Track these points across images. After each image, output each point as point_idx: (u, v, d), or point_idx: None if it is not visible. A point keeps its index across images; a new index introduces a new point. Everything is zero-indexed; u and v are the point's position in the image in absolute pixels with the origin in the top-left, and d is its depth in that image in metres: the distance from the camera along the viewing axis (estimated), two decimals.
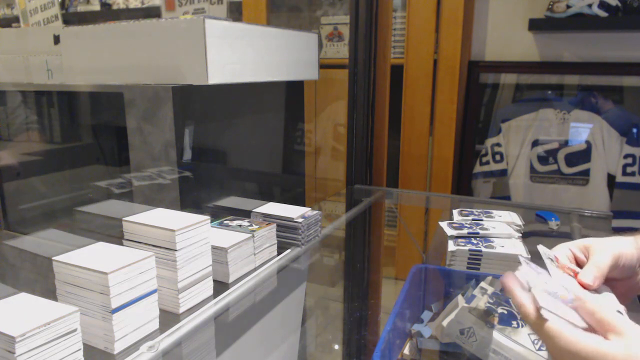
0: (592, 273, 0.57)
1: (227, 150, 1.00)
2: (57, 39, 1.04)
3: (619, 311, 0.52)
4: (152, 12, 2.64)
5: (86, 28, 0.94)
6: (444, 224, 1.02)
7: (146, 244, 0.73)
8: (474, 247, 0.91)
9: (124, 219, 0.75)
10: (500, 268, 0.90)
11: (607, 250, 0.60)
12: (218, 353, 0.73)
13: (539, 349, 0.68)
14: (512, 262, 0.90)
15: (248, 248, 0.87)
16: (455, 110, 1.68)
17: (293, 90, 1.22)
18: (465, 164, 1.81)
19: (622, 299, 0.60)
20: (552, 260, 0.60)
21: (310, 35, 1.21)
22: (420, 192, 1.75)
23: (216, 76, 0.87)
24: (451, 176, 1.74)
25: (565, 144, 1.64)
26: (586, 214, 1.30)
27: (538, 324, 0.50)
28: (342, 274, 1.20)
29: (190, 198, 0.89)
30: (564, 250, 0.63)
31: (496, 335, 0.70)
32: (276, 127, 1.19)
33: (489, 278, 0.87)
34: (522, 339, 0.70)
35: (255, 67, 0.99)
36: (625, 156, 1.57)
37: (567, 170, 1.64)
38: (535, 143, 1.68)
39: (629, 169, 1.57)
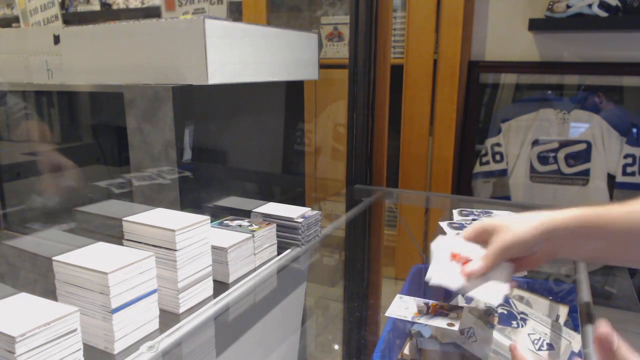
0: (479, 265, 0.65)
1: (227, 150, 1.00)
2: (57, 39, 1.04)
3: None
4: (152, 12, 2.64)
5: (86, 28, 0.94)
6: (444, 224, 1.02)
7: (146, 244, 0.73)
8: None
9: (124, 219, 0.75)
10: (500, 268, 0.90)
11: (500, 244, 0.65)
12: (218, 353, 0.73)
13: (539, 349, 0.68)
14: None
15: (248, 248, 0.87)
16: (455, 110, 1.68)
17: (293, 90, 1.22)
18: (465, 164, 1.81)
19: (521, 268, 0.68)
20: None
21: (310, 35, 1.21)
22: (420, 192, 1.75)
23: (216, 76, 0.87)
24: (451, 176, 1.74)
25: (565, 144, 1.64)
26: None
27: None
28: (342, 274, 1.20)
29: (190, 198, 0.89)
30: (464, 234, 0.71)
31: (496, 335, 0.70)
32: (276, 127, 1.19)
33: None
34: (521, 338, 0.70)
35: (255, 67, 0.99)
36: (625, 156, 1.57)
37: (567, 170, 1.64)
38: (535, 143, 1.68)
39: (629, 169, 1.57)
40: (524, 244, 0.64)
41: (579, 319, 0.74)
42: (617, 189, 1.59)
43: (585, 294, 0.81)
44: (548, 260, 0.69)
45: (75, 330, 0.56)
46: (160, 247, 0.71)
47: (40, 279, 0.66)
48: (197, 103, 0.90)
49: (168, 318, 0.71)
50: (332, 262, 1.23)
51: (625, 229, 0.60)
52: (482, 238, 0.69)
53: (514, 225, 0.66)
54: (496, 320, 0.73)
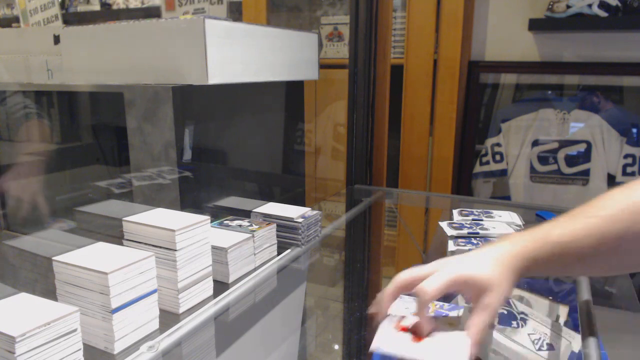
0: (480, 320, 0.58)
1: (227, 150, 1.00)
2: (57, 39, 1.04)
3: None
4: (152, 12, 2.64)
5: (86, 28, 0.94)
6: (444, 224, 1.02)
7: (146, 244, 0.73)
8: (474, 247, 0.91)
9: (124, 219, 0.75)
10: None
11: (492, 304, 0.58)
12: (218, 353, 0.73)
13: (539, 349, 0.68)
14: None
15: (248, 248, 0.87)
16: (455, 110, 1.68)
17: (293, 90, 1.22)
18: (465, 164, 1.81)
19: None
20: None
21: (310, 35, 1.21)
22: (420, 192, 1.75)
23: (216, 76, 0.87)
24: (451, 176, 1.74)
25: (565, 144, 1.64)
26: None
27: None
28: (342, 274, 1.20)
29: (190, 198, 0.89)
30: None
31: (496, 335, 0.70)
32: (276, 127, 1.19)
33: None
34: (521, 339, 0.70)
35: (255, 67, 0.99)
36: (625, 156, 1.57)
37: (567, 170, 1.64)
38: (535, 143, 1.68)
39: (629, 169, 1.56)
40: (510, 293, 0.61)
41: (579, 319, 0.75)
42: None
43: (585, 294, 0.81)
44: None
45: (75, 330, 0.56)
46: (160, 247, 0.71)
47: (40, 279, 0.66)
48: (197, 103, 0.90)
49: (168, 318, 0.71)
50: (332, 262, 1.23)
51: (574, 255, 0.60)
52: (456, 289, 0.63)
53: (499, 282, 0.59)
54: (496, 320, 0.73)
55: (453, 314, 0.71)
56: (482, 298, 0.59)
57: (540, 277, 0.68)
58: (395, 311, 0.71)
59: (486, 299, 0.58)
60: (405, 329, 0.61)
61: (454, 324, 0.66)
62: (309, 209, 1.01)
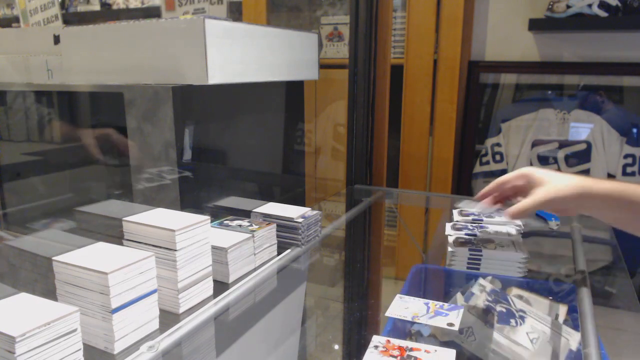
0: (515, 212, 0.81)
1: (227, 150, 1.01)
2: (57, 39, 1.04)
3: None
4: (152, 12, 2.64)
5: (86, 28, 0.94)
6: (448, 225, 1.02)
7: (146, 244, 0.73)
8: (474, 247, 0.91)
9: (124, 219, 0.75)
10: (500, 268, 0.90)
11: (542, 195, 0.78)
12: (218, 353, 0.73)
13: (538, 348, 0.68)
14: (512, 262, 0.90)
15: (248, 248, 0.87)
16: (455, 110, 1.68)
17: (293, 90, 1.22)
18: (465, 164, 1.81)
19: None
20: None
21: (310, 35, 1.21)
22: (420, 192, 1.75)
23: (216, 76, 0.87)
24: (451, 176, 1.74)
25: (565, 144, 1.64)
26: (586, 214, 1.29)
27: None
28: (342, 274, 1.20)
29: (190, 198, 0.89)
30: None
31: (495, 334, 0.70)
32: (276, 127, 1.19)
33: (489, 278, 0.87)
34: (520, 337, 0.70)
35: (256, 67, 0.99)
36: (625, 156, 1.57)
37: (567, 170, 1.64)
38: (535, 143, 1.68)
39: (629, 169, 1.57)
40: (561, 201, 0.77)
41: (579, 319, 0.75)
42: None
43: (585, 294, 0.81)
44: (572, 214, 0.87)
45: (75, 330, 0.56)
46: (160, 247, 0.71)
47: (40, 279, 0.66)
48: (197, 103, 0.90)
49: (168, 318, 0.71)
50: (332, 262, 1.23)
51: None
52: (521, 182, 0.85)
53: (556, 182, 0.78)
54: (495, 319, 0.73)
55: (453, 314, 0.71)
56: (532, 191, 0.80)
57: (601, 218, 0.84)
58: (396, 311, 0.71)
59: (533, 194, 0.79)
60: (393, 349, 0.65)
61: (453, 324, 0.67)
62: (309, 209, 1.01)
